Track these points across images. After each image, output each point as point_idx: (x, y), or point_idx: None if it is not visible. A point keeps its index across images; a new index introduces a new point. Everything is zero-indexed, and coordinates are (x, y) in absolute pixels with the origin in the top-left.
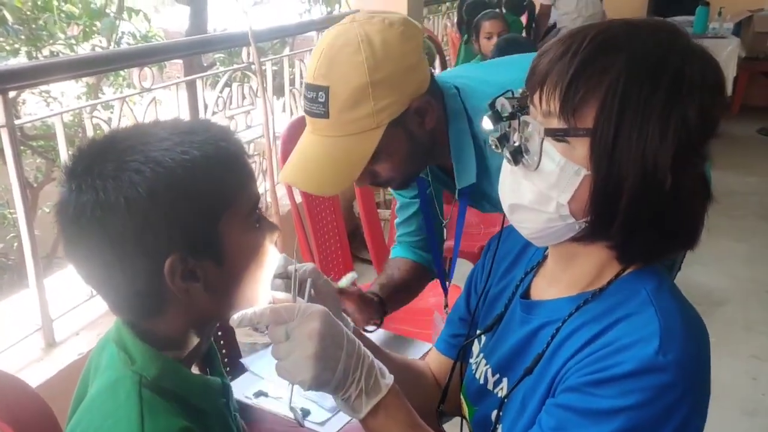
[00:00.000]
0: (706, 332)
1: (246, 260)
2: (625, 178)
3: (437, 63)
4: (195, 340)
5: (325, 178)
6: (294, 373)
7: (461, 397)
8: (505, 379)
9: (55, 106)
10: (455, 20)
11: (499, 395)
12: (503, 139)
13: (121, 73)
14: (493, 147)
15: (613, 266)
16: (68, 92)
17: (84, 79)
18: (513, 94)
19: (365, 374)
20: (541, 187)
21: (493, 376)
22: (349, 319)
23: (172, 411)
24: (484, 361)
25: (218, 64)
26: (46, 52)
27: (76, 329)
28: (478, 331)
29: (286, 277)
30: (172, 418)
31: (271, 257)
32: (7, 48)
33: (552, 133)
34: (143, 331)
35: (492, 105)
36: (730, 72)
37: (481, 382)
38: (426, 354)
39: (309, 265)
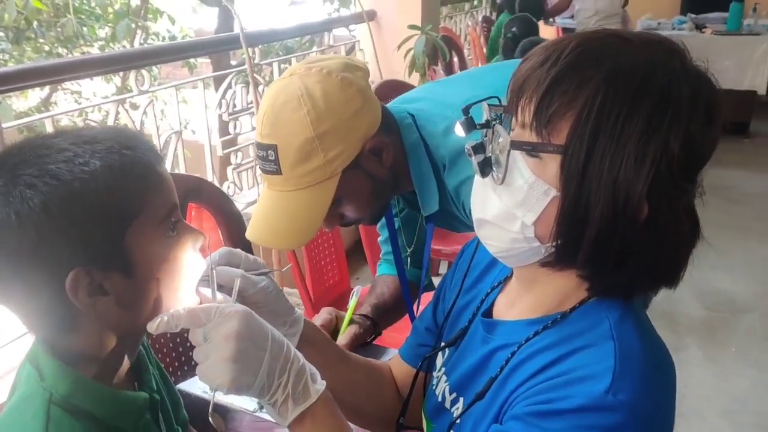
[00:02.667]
0: (669, 372)
1: (159, 270)
2: (594, 205)
3: (455, 62)
4: (116, 355)
5: (287, 233)
6: (212, 377)
7: (422, 411)
8: (461, 399)
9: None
10: (479, 18)
11: (455, 415)
12: (478, 149)
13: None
14: (467, 155)
15: (580, 293)
16: (99, 92)
17: (113, 80)
18: (500, 101)
19: (293, 379)
20: (507, 204)
21: (450, 394)
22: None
23: (82, 431)
24: (444, 377)
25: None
26: (76, 53)
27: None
28: (442, 344)
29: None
30: None
31: (193, 264)
32: (46, 48)
33: (519, 146)
34: (58, 348)
35: (466, 111)
36: (765, 69)
37: (440, 399)
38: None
39: (238, 272)
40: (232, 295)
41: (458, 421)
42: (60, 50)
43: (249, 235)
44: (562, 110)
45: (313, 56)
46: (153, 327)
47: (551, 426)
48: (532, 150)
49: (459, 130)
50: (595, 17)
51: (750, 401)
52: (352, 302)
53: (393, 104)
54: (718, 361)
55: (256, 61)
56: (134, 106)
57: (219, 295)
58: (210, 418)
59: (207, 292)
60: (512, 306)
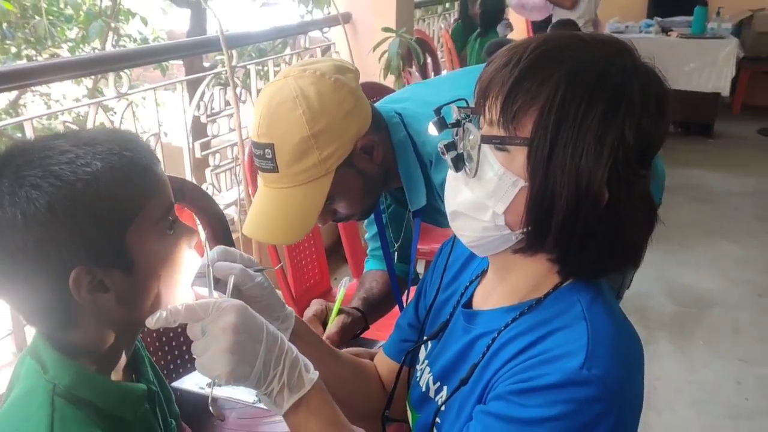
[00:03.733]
0: (637, 349)
1: (158, 267)
2: (559, 192)
3: (429, 64)
4: (115, 349)
5: (283, 229)
6: (210, 368)
7: (407, 402)
8: (445, 387)
9: (57, 108)
10: (451, 21)
11: (439, 403)
12: (450, 146)
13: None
14: (441, 153)
15: (552, 277)
16: (69, 95)
17: (84, 83)
18: (467, 103)
19: (288, 369)
20: (478, 195)
21: (434, 384)
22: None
23: (85, 420)
24: (428, 369)
25: (220, 65)
26: (46, 54)
27: None
28: (425, 338)
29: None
30: (83, 427)
31: (189, 261)
32: (13, 50)
33: (488, 140)
34: (59, 342)
35: (438, 111)
36: (728, 72)
37: (424, 389)
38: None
39: (236, 266)
40: (227, 290)
41: (443, 407)
42: (28, 52)
43: (246, 231)
44: (526, 106)
45: (306, 59)
46: (152, 322)
47: (530, 402)
48: (500, 143)
49: (432, 130)
50: (581, 20)
51: (717, 392)
52: (340, 294)
53: (381, 104)
54: (687, 354)
55: (233, 63)
56: (106, 108)
57: (214, 292)
58: (210, 408)
59: (201, 290)
60: (489, 296)
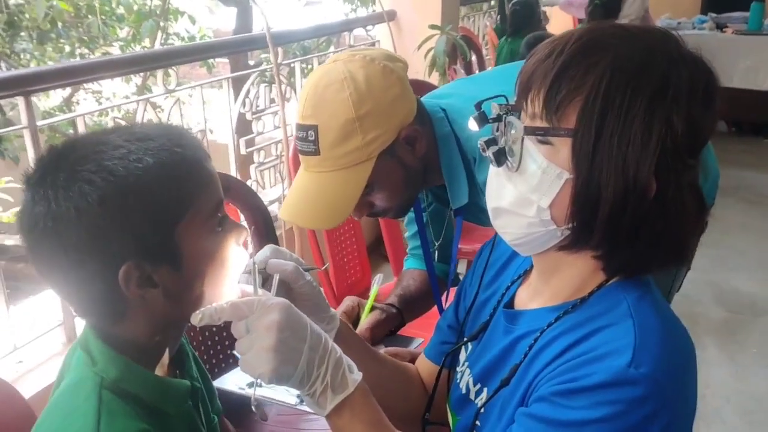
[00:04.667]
0: (688, 348)
1: (206, 264)
2: (606, 183)
3: (474, 61)
4: (161, 344)
5: (321, 213)
6: (254, 367)
7: (447, 405)
8: (485, 389)
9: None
10: (497, 18)
11: (479, 405)
12: (491, 142)
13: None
14: (481, 150)
15: (597, 276)
16: (119, 92)
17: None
18: (507, 100)
19: (332, 369)
20: (522, 190)
21: (474, 385)
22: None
23: (131, 413)
24: (468, 370)
25: (265, 63)
26: (98, 53)
27: None
28: (464, 339)
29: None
30: (129, 421)
31: (237, 258)
32: (67, 48)
33: (531, 131)
34: (108, 335)
35: (478, 106)
36: None
37: (464, 391)
38: (418, 347)
39: (289, 264)
40: (272, 288)
41: (483, 410)
42: (81, 51)
43: (282, 214)
44: (570, 96)
45: (356, 47)
46: (197, 319)
47: (576, 403)
48: (543, 135)
49: (473, 125)
50: (626, 19)
51: None
52: (373, 290)
53: (425, 99)
54: (738, 362)
55: (279, 61)
56: (154, 106)
57: (260, 290)
58: (253, 408)
59: (247, 287)
60: (533, 297)
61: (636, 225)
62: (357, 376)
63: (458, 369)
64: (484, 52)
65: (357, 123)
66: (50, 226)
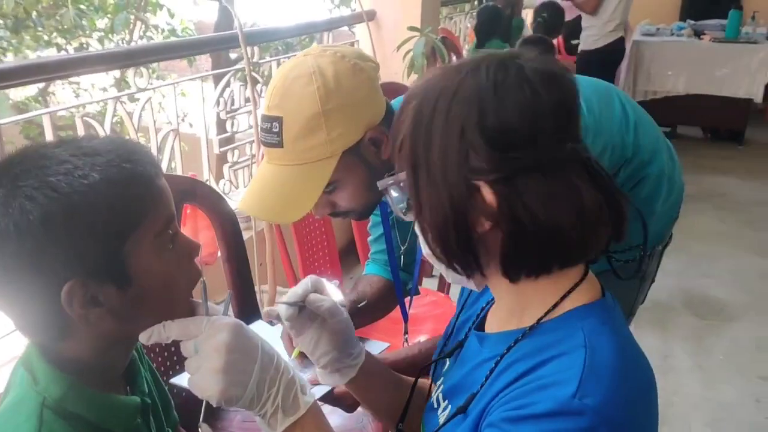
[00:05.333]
0: (645, 380)
1: (156, 282)
2: (436, 220)
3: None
4: (109, 361)
5: (279, 207)
6: (202, 388)
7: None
8: (449, 406)
9: (85, 97)
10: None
11: (440, 421)
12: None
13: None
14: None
15: (537, 296)
16: (98, 83)
17: (112, 72)
18: None
19: (283, 391)
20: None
21: (443, 400)
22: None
23: None
24: (442, 386)
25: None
26: (75, 44)
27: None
28: (441, 355)
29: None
30: None
31: (189, 276)
32: (45, 38)
33: (384, 185)
34: (52, 353)
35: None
36: (761, 78)
37: (435, 405)
38: (383, 352)
39: (327, 301)
40: (224, 307)
41: (441, 429)
42: (59, 40)
43: (242, 206)
44: (397, 148)
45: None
46: (145, 338)
47: (522, 430)
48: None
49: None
50: (612, 24)
51: (736, 411)
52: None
53: (395, 102)
54: (706, 370)
55: (255, 60)
56: (132, 98)
57: (211, 307)
58: (200, 429)
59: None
60: (497, 321)
61: (482, 238)
62: (309, 398)
63: (436, 383)
64: (464, 54)
65: (322, 118)
66: None
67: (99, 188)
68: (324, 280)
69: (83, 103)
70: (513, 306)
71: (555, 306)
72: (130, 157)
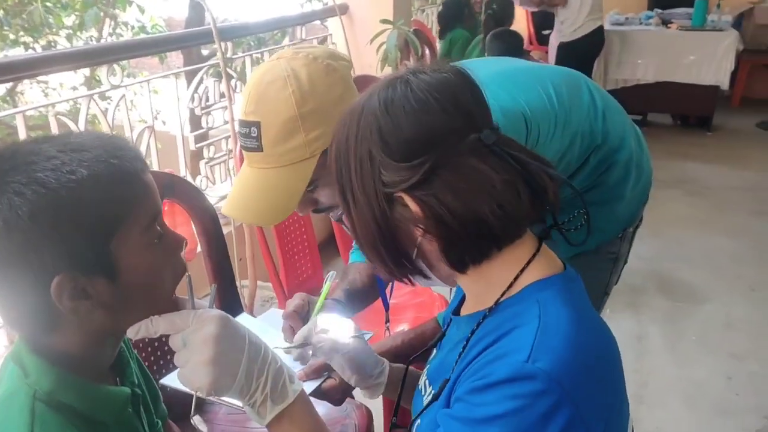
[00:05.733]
0: (600, 345)
1: (143, 276)
2: (368, 236)
3: (427, 55)
4: (97, 354)
5: (264, 210)
6: (192, 380)
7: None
8: (432, 390)
9: (54, 96)
10: None
11: (424, 404)
12: None
13: (122, 63)
14: None
15: (494, 280)
16: (67, 82)
17: (82, 71)
18: None
19: (271, 380)
20: None
21: (429, 385)
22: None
23: (66, 425)
24: (427, 371)
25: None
26: (43, 42)
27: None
28: (430, 343)
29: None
30: None
31: (175, 270)
32: (11, 37)
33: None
34: (41, 346)
35: None
36: (728, 65)
37: (422, 390)
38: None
39: (326, 341)
40: (210, 300)
41: (419, 420)
42: (26, 39)
43: (225, 210)
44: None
45: (300, 44)
46: (133, 332)
47: (481, 400)
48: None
49: None
50: (584, 10)
51: (708, 388)
52: (325, 286)
53: None
54: (679, 350)
55: (228, 55)
56: (104, 96)
57: (202, 302)
58: (192, 421)
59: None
60: (467, 305)
61: (422, 245)
62: (297, 386)
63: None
64: (438, 45)
65: (299, 121)
66: None
67: (86, 184)
68: (334, 316)
69: (56, 102)
70: (476, 290)
71: (511, 285)
72: (116, 153)
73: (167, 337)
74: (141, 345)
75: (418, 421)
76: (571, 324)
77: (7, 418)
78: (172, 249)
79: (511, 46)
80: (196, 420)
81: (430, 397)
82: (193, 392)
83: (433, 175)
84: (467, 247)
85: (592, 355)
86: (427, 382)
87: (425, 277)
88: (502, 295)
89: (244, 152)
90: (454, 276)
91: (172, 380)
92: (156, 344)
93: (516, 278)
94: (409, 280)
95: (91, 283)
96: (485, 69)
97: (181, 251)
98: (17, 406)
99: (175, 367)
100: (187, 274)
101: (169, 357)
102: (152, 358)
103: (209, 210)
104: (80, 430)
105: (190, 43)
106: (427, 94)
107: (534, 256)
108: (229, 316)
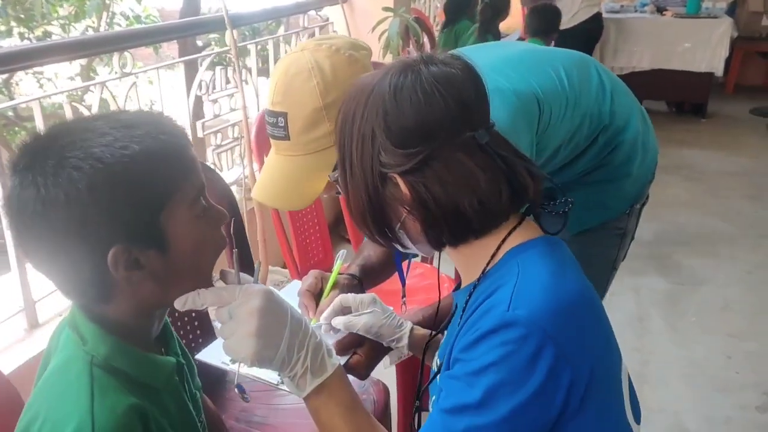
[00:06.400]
0: (580, 292)
1: (191, 247)
2: (358, 206)
3: (427, 43)
4: (146, 324)
5: (291, 195)
6: (237, 351)
7: None
8: (440, 363)
9: (49, 87)
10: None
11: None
12: None
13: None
14: None
15: (478, 251)
16: (62, 73)
17: (77, 60)
18: None
19: (311, 353)
20: None
21: (439, 360)
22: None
23: (122, 389)
24: (440, 348)
25: (213, 44)
26: (38, 32)
27: (59, 310)
28: (441, 325)
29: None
30: (121, 396)
31: (218, 243)
32: (2, 28)
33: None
34: (95, 315)
35: None
36: (722, 52)
37: (434, 366)
38: None
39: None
40: (254, 277)
41: (434, 396)
42: (20, 29)
43: (255, 194)
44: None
45: (322, 35)
46: (180, 304)
47: (474, 354)
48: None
49: None
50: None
51: (708, 366)
52: (337, 265)
53: None
54: (679, 330)
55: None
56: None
57: (248, 277)
58: (236, 390)
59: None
60: (463, 280)
61: (405, 223)
62: (335, 360)
63: None
64: (436, 33)
65: (324, 111)
66: (39, 210)
67: (139, 159)
68: (350, 296)
69: (71, 89)
70: (465, 266)
71: (495, 255)
72: (164, 129)
73: (197, 315)
74: (170, 319)
75: (433, 396)
76: (549, 275)
77: (67, 382)
78: (215, 222)
79: (548, 22)
80: (239, 390)
81: (437, 370)
82: (230, 366)
83: (426, 164)
84: (444, 232)
85: (571, 302)
86: (437, 359)
87: (404, 247)
88: (487, 264)
89: (272, 140)
90: (433, 250)
91: (206, 356)
92: (186, 320)
93: (498, 248)
94: (387, 245)
95: (144, 255)
96: (500, 52)
97: (223, 225)
98: (76, 370)
99: (205, 344)
100: (234, 249)
101: (198, 332)
102: (182, 332)
103: (226, 191)
104: (134, 393)
105: (200, 31)
106: (433, 88)
107: (515, 228)
108: (274, 290)
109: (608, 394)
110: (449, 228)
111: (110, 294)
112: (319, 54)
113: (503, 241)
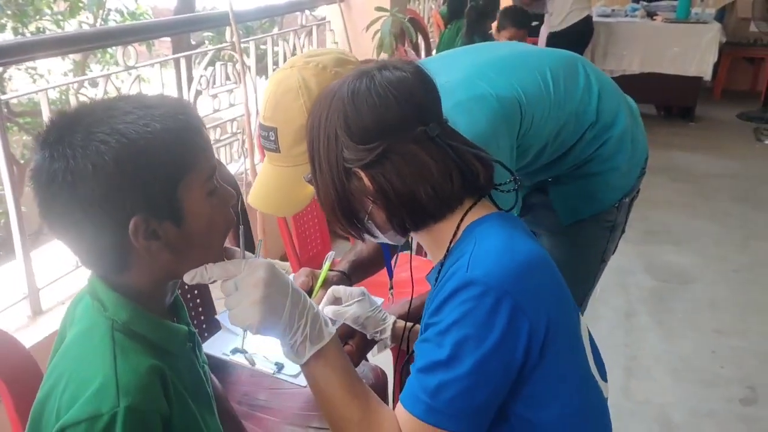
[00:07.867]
0: (533, 253)
1: (203, 222)
2: (324, 191)
3: (421, 43)
4: (161, 293)
5: (282, 203)
6: (243, 319)
7: None
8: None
9: (41, 83)
10: (440, 1)
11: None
12: None
13: (109, 50)
14: None
15: (442, 234)
16: (55, 69)
17: (71, 56)
18: None
19: (310, 322)
20: None
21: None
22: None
23: (142, 351)
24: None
25: (207, 42)
26: (32, 27)
27: (62, 298)
28: None
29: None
30: (142, 357)
31: (227, 219)
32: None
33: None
34: (114, 284)
35: None
36: (710, 57)
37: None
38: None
39: (358, 289)
40: (256, 252)
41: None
42: (13, 24)
43: (250, 201)
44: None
45: (312, 50)
46: (189, 278)
47: (440, 317)
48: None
49: None
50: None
51: (694, 361)
52: (325, 266)
53: None
54: (666, 326)
55: (233, 40)
56: (94, 84)
57: (250, 253)
58: (244, 357)
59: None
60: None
61: (372, 214)
62: (332, 329)
63: None
64: (430, 34)
65: None
66: (69, 180)
67: (160, 135)
68: (341, 288)
69: (80, 79)
70: (432, 248)
71: (455, 234)
72: (182, 110)
73: (200, 290)
74: None
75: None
76: (503, 239)
77: (91, 346)
78: (225, 200)
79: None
80: (245, 351)
81: None
82: (231, 349)
83: (384, 158)
84: (405, 218)
85: (523, 261)
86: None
87: (373, 236)
88: (450, 243)
89: (265, 151)
90: (401, 237)
91: (207, 348)
92: (192, 315)
93: (458, 227)
94: (358, 236)
95: (161, 226)
96: (487, 55)
97: (232, 204)
98: (98, 335)
99: (206, 339)
100: (240, 226)
101: (204, 326)
102: None
103: (230, 180)
104: (153, 357)
105: (206, 26)
106: (386, 91)
107: (470, 208)
108: (276, 263)
109: (568, 346)
110: (408, 214)
111: (128, 262)
112: (307, 72)
113: (461, 220)
